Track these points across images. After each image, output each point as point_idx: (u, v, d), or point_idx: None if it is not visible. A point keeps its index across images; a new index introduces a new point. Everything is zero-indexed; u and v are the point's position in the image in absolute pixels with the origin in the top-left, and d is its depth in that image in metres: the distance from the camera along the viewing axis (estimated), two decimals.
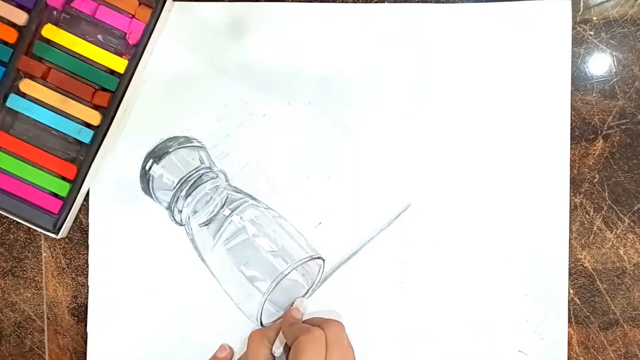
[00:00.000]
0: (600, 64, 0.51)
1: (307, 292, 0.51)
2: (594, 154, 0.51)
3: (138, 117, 0.51)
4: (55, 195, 0.49)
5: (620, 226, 0.51)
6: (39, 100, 0.49)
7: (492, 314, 0.50)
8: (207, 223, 0.49)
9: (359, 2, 0.51)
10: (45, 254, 0.52)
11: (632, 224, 0.51)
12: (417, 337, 0.51)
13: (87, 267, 0.51)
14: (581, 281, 0.51)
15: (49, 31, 0.48)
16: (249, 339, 0.47)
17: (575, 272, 0.51)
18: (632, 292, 0.51)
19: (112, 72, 0.49)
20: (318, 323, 0.46)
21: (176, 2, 0.51)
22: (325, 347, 0.43)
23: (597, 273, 0.51)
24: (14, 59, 0.48)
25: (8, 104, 0.49)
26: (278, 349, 0.46)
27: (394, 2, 0.51)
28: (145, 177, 0.50)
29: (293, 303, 0.49)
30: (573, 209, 0.51)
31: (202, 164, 0.50)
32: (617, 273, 0.51)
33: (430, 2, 0.51)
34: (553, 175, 0.50)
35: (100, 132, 0.49)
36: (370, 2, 0.51)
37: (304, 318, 0.49)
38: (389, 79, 0.51)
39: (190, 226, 0.49)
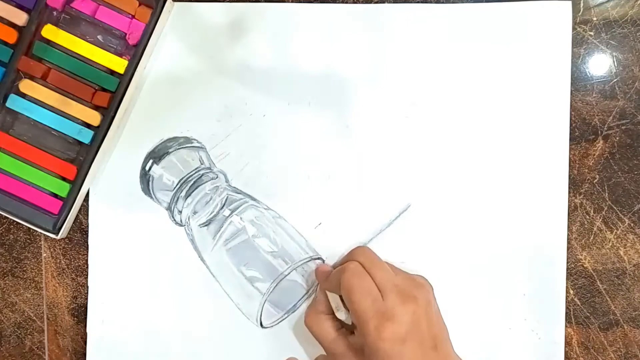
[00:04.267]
0: (601, 64, 0.51)
1: (307, 293, 0.51)
2: (594, 155, 0.51)
3: (138, 118, 0.51)
4: (55, 195, 0.49)
5: (620, 227, 0.51)
6: (39, 100, 0.49)
7: (490, 314, 0.50)
8: (207, 223, 0.49)
9: (359, 3, 0.51)
10: (45, 255, 0.52)
11: (632, 224, 0.51)
12: None
13: (87, 267, 0.51)
14: (581, 282, 0.51)
15: (49, 31, 0.48)
16: (308, 325, 0.46)
17: (575, 273, 0.51)
18: (632, 292, 0.51)
19: (112, 73, 0.49)
20: (347, 259, 0.46)
21: (176, 3, 0.51)
22: (366, 272, 0.44)
23: (597, 273, 0.51)
24: (14, 60, 0.48)
25: (8, 104, 0.49)
26: (340, 312, 0.46)
27: (394, 2, 0.51)
28: (145, 178, 0.50)
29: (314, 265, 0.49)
30: (573, 209, 0.51)
31: (202, 164, 0.50)
32: (617, 273, 0.51)
33: (430, 2, 0.51)
34: (552, 176, 0.50)
35: (100, 133, 0.49)
36: (371, 2, 0.51)
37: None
38: (389, 79, 0.51)
39: (190, 227, 0.49)
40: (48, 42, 0.49)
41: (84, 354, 0.52)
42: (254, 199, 0.50)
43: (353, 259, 0.45)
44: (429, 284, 0.45)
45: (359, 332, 0.43)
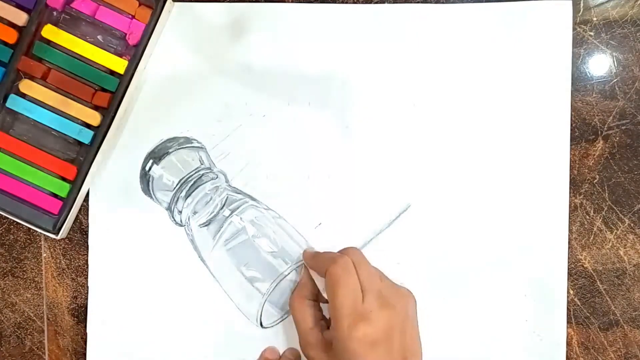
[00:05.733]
0: (601, 64, 0.51)
1: None
2: (594, 155, 0.51)
3: (138, 118, 0.51)
4: (55, 195, 0.49)
5: (620, 227, 0.51)
6: (38, 100, 0.49)
7: (491, 315, 0.50)
8: (207, 224, 0.49)
9: (359, 3, 0.51)
10: (45, 255, 0.52)
11: (632, 224, 0.51)
12: None
13: (87, 267, 0.51)
14: (581, 282, 0.51)
15: (49, 32, 0.48)
16: (292, 308, 0.46)
17: (576, 273, 0.51)
18: (632, 292, 0.51)
19: (112, 73, 0.49)
20: (338, 252, 0.46)
21: (176, 3, 0.51)
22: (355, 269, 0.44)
23: (597, 274, 0.51)
24: (14, 60, 0.48)
25: (8, 104, 0.49)
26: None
27: (394, 2, 0.51)
28: (145, 178, 0.50)
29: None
30: (573, 209, 0.51)
31: (202, 164, 0.50)
32: (617, 274, 0.51)
33: (431, 2, 0.51)
34: (553, 176, 0.50)
35: (100, 133, 0.49)
36: (371, 2, 0.51)
37: None
38: (389, 80, 0.51)
39: (190, 227, 0.49)
40: (48, 42, 0.49)
41: (84, 354, 0.52)
42: (254, 199, 0.50)
43: (344, 254, 0.45)
44: (413, 297, 0.45)
45: (331, 325, 0.43)
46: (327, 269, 0.44)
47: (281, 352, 0.51)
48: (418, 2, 0.51)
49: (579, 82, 0.51)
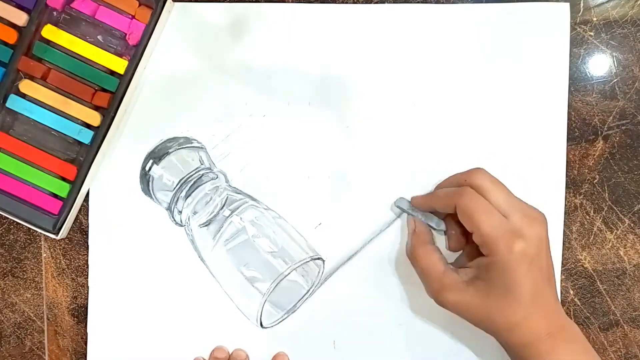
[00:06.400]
0: (601, 64, 0.51)
1: (307, 293, 0.51)
2: (594, 155, 0.51)
3: (138, 118, 0.51)
4: (55, 195, 0.49)
5: (620, 227, 0.51)
6: (38, 100, 0.49)
7: None
8: (207, 224, 0.49)
9: (359, 3, 0.51)
10: (45, 255, 0.52)
11: (632, 224, 0.51)
12: (417, 337, 0.51)
13: (87, 267, 0.51)
14: (581, 282, 0.51)
15: (49, 32, 0.48)
16: (416, 259, 0.46)
17: (576, 273, 0.51)
18: (632, 292, 0.51)
19: (112, 73, 0.49)
20: (463, 178, 0.46)
21: (176, 3, 0.51)
22: (488, 193, 0.44)
23: (597, 274, 0.51)
24: (14, 60, 0.48)
25: (8, 104, 0.49)
26: (441, 224, 0.48)
27: (394, 2, 0.51)
28: (145, 178, 0.50)
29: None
30: (573, 209, 0.51)
31: (202, 164, 0.50)
32: (617, 274, 0.51)
33: (431, 2, 0.51)
34: (549, 177, 0.50)
35: (100, 133, 0.49)
36: (371, 2, 0.51)
37: None
38: (388, 80, 0.51)
39: (190, 227, 0.49)
40: (48, 42, 0.49)
41: (84, 354, 0.52)
42: (254, 199, 0.50)
43: (470, 181, 0.45)
44: (544, 215, 0.45)
45: (486, 251, 0.43)
46: (457, 204, 0.44)
47: (288, 353, 0.51)
48: (418, 2, 0.51)
49: (579, 82, 0.51)
